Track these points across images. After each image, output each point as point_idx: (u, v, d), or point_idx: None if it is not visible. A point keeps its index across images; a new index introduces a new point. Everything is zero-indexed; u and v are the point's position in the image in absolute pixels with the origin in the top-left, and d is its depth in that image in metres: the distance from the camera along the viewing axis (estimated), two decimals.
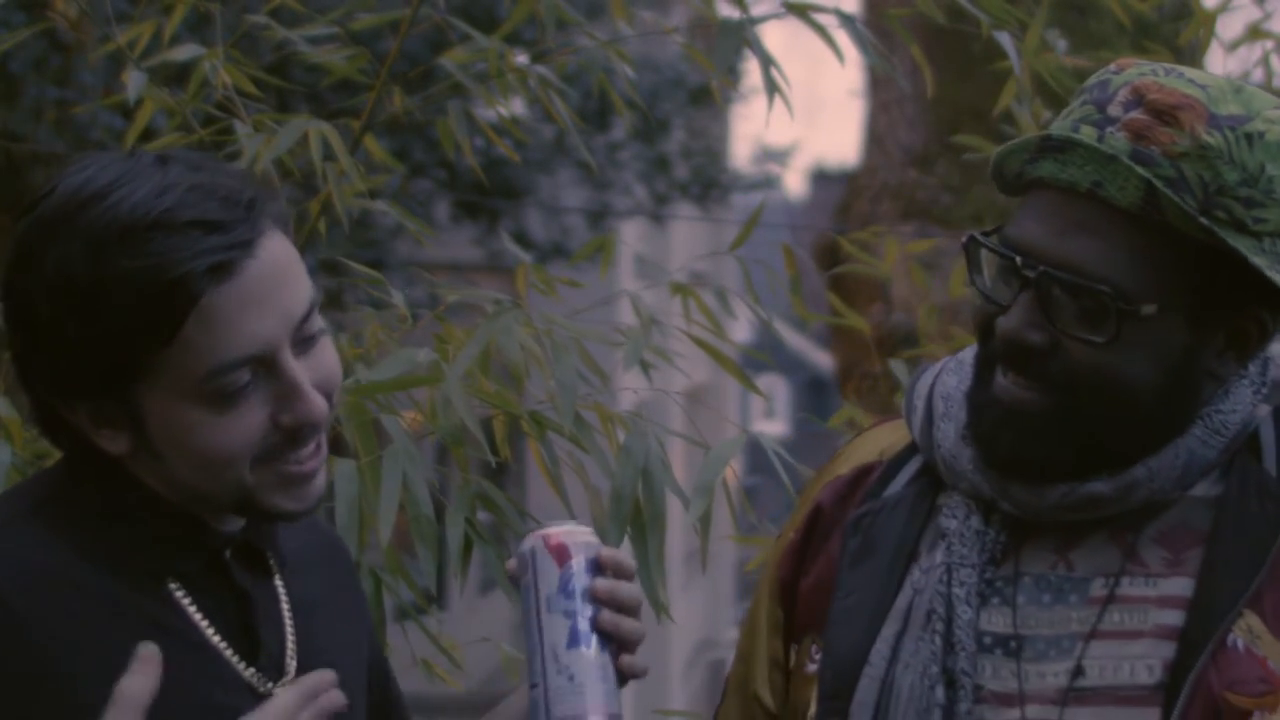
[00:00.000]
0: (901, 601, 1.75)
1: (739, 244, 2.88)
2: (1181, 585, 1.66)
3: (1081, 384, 1.67)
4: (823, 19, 3.00)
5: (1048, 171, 1.69)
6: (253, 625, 1.68)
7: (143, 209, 1.57)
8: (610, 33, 3.21)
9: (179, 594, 1.65)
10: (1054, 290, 1.67)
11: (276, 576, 1.73)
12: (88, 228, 1.57)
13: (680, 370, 2.73)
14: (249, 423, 1.60)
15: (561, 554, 1.66)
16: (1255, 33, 3.94)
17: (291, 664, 1.69)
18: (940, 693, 1.68)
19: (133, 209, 1.57)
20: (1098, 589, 1.69)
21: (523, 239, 11.55)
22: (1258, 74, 4.03)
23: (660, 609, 2.42)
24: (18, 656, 1.57)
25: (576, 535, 1.68)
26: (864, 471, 1.88)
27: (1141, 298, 1.66)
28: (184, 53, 2.95)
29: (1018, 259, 1.69)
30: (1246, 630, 1.63)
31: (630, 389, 2.66)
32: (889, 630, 1.74)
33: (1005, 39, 3.08)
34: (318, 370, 1.64)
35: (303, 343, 1.62)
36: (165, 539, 1.66)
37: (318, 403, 1.62)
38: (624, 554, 1.69)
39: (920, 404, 1.82)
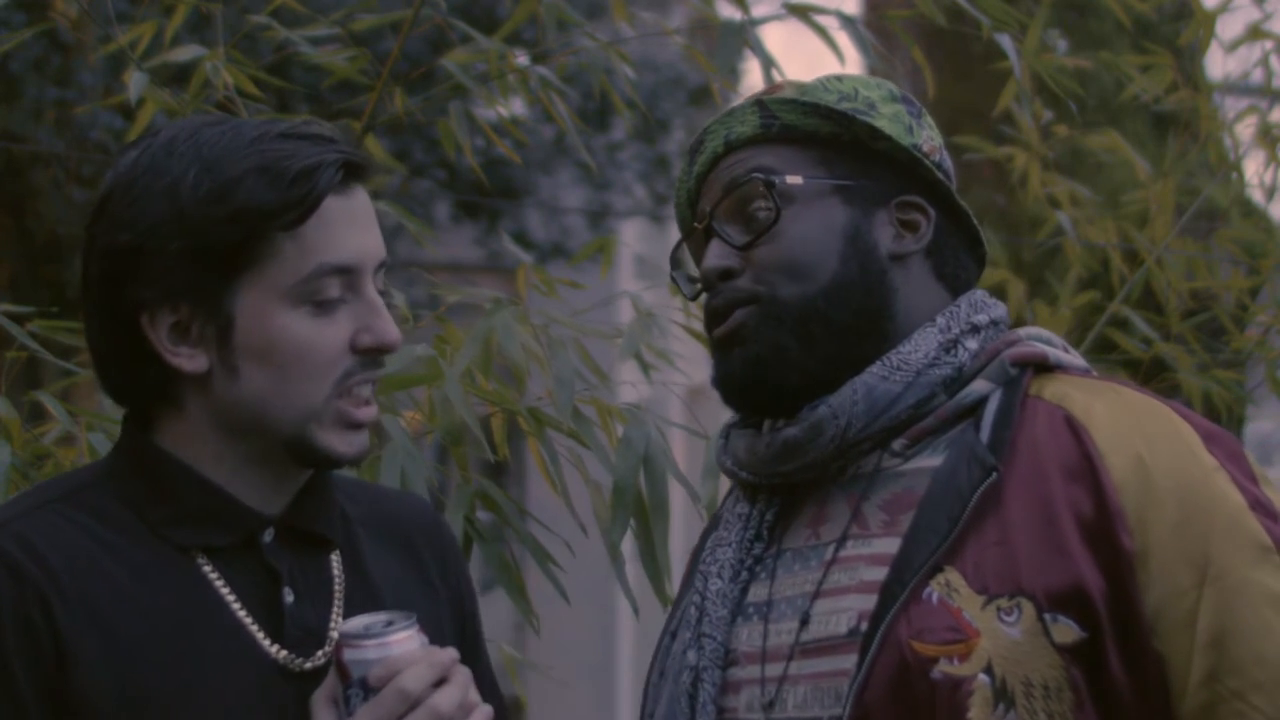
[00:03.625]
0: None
1: None
2: (890, 544, 1.73)
3: (770, 275, 1.81)
4: (823, 20, 3.01)
5: (699, 166, 1.90)
6: (278, 603, 1.71)
7: (268, 125, 1.70)
8: (611, 33, 3.22)
9: (207, 569, 1.70)
10: (726, 224, 1.84)
11: (334, 554, 1.78)
12: (215, 140, 1.68)
13: (680, 370, 2.73)
14: (333, 335, 1.69)
15: (343, 673, 1.65)
16: (1255, 33, 3.94)
17: (335, 635, 1.71)
18: (692, 655, 1.80)
19: (258, 125, 1.70)
20: (829, 552, 1.77)
21: (523, 239, 11.54)
22: (1258, 74, 4.03)
23: (665, 600, 2.43)
24: (46, 629, 1.62)
25: (363, 649, 1.63)
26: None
27: (784, 173, 1.83)
28: (185, 53, 2.96)
29: (696, 224, 1.88)
30: (944, 584, 1.68)
31: (629, 382, 2.66)
32: (678, 614, 1.88)
33: (1005, 40, 3.09)
34: None
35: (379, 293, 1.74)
36: (196, 514, 1.70)
37: (393, 327, 1.71)
38: (408, 658, 1.64)
39: None
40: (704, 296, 1.87)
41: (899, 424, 1.79)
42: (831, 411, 1.78)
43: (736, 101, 1.90)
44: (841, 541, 1.77)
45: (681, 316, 2.80)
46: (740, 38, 2.95)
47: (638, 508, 2.44)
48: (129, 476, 1.72)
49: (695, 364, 2.96)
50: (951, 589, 1.68)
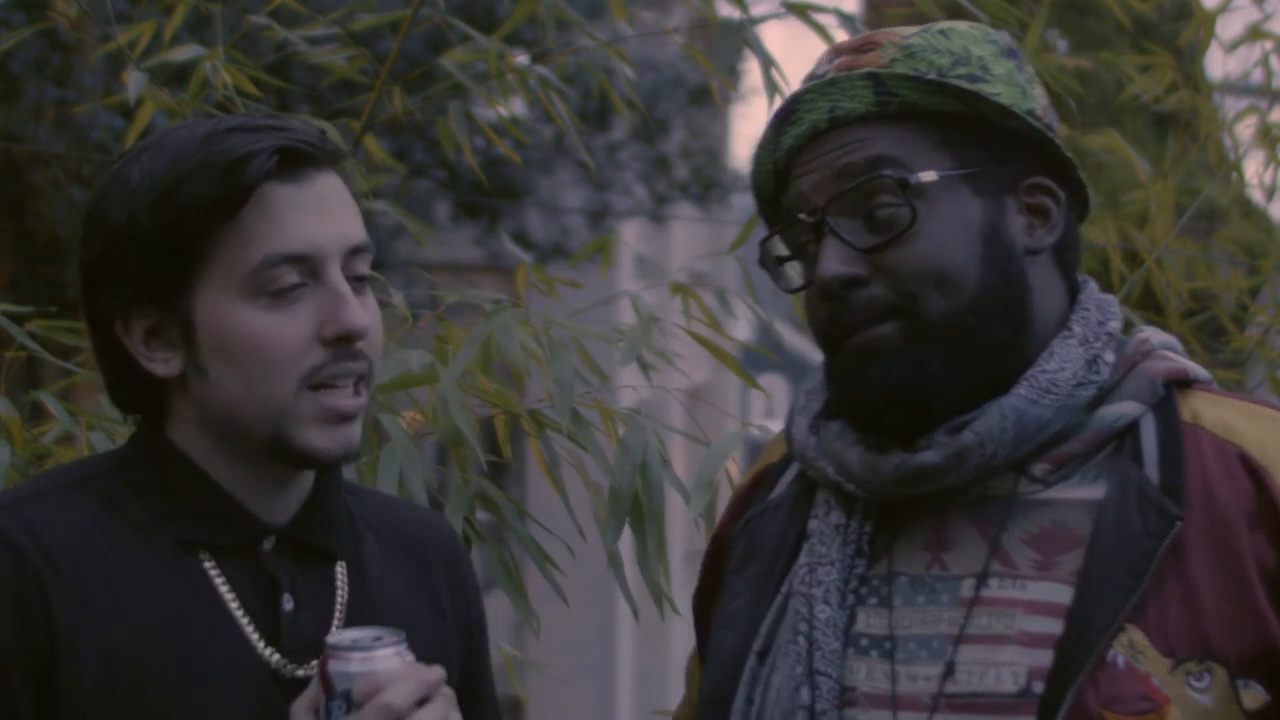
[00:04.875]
0: (777, 603, 1.72)
1: (739, 244, 2.88)
2: (1051, 590, 1.60)
3: (912, 285, 1.64)
4: (823, 19, 3.00)
5: (790, 138, 1.71)
6: (277, 610, 1.70)
7: (227, 121, 1.70)
8: (610, 33, 3.21)
9: (210, 568, 1.70)
10: (842, 220, 1.66)
11: (339, 566, 1.77)
12: (174, 142, 1.69)
13: (680, 371, 2.73)
14: (294, 327, 1.67)
15: (327, 685, 1.63)
16: (1255, 33, 3.94)
17: None
18: (805, 694, 1.64)
19: (218, 122, 1.70)
20: (967, 589, 1.63)
21: (523, 239, 11.55)
22: (1258, 74, 4.03)
23: (663, 599, 2.43)
24: (41, 617, 1.63)
25: (348, 662, 1.62)
26: (760, 477, 1.86)
27: (917, 168, 1.65)
28: (184, 53, 2.96)
29: (800, 216, 1.69)
30: (1128, 645, 1.57)
31: (630, 386, 2.66)
32: (764, 631, 1.71)
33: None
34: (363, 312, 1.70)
35: (353, 280, 1.71)
36: (201, 513, 1.71)
37: (360, 314, 1.68)
38: (393, 674, 1.62)
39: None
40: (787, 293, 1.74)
41: (1039, 447, 1.65)
42: (978, 439, 1.63)
43: (827, 64, 1.72)
44: (983, 579, 1.63)
45: (681, 318, 2.80)
46: (740, 37, 2.95)
47: (634, 513, 2.44)
48: (140, 467, 1.73)
49: (695, 364, 2.96)
50: (1137, 651, 1.56)
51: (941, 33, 1.71)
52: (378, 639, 1.64)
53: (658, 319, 2.71)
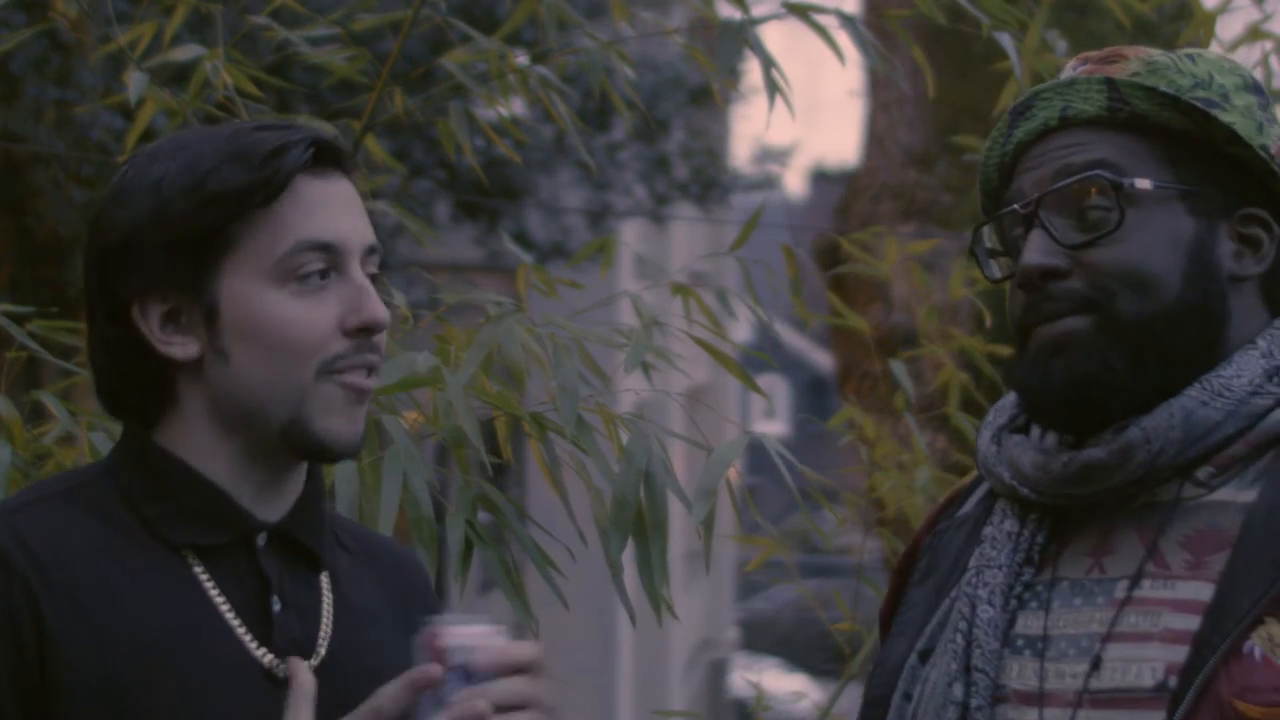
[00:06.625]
0: (944, 606, 1.77)
1: (739, 244, 2.89)
2: (1199, 589, 1.62)
3: (1111, 285, 1.69)
4: (823, 19, 3.00)
5: (1021, 132, 1.77)
6: (266, 610, 1.72)
7: (250, 123, 1.76)
8: (611, 33, 3.22)
9: (198, 569, 1.71)
10: (1054, 215, 1.71)
11: (324, 575, 1.79)
12: (194, 140, 1.74)
13: (681, 371, 2.73)
14: (321, 314, 1.72)
15: (438, 659, 1.63)
16: (1255, 33, 3.93)
17: (322, 650, 1.74)
18: (958, 690, 1.69)
19: (240, 124, 1.76)
20: (1120, 590, 1.67)
21: (523, 239, 11.56)
22: (1258, 74, 4.03)
23: (663, 607, 2.43)
24: (31, 623, 1.64)
25: (456, 638, 1.63)
26: (953, 495, 1.91)
27: (1133, 174, 1.70)
28: (185, 53, 2.96)
29: (1016, 206, 1.74)
30: (1267, 639, 1.57)
31: (631, 390, 2.66)
32: (928, 633, 1.77)
33: (1005, 39, 3.09)
34: None
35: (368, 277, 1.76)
36: (193, 513, 1.72)
37: (380, 307, 1.73)
38: (512, 650, 1.63)
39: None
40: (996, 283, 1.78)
41: (1208, 451, 1.67)
42: (1144, 435, 1.67)
43: (1072, 70, 1.77)
44: (1136, 580, 1.66)
45: (681, 318, 2.80)
46: (740, 37, 2.95)
47: (637, 523, 2.43)
48: (128, 473, 1.75)
49: (695, 365, 2.95)
50: (1275, 644, 1.57)
51: (1189, 56, 1.75)
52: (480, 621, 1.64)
53: (659, 321, 2.71)
